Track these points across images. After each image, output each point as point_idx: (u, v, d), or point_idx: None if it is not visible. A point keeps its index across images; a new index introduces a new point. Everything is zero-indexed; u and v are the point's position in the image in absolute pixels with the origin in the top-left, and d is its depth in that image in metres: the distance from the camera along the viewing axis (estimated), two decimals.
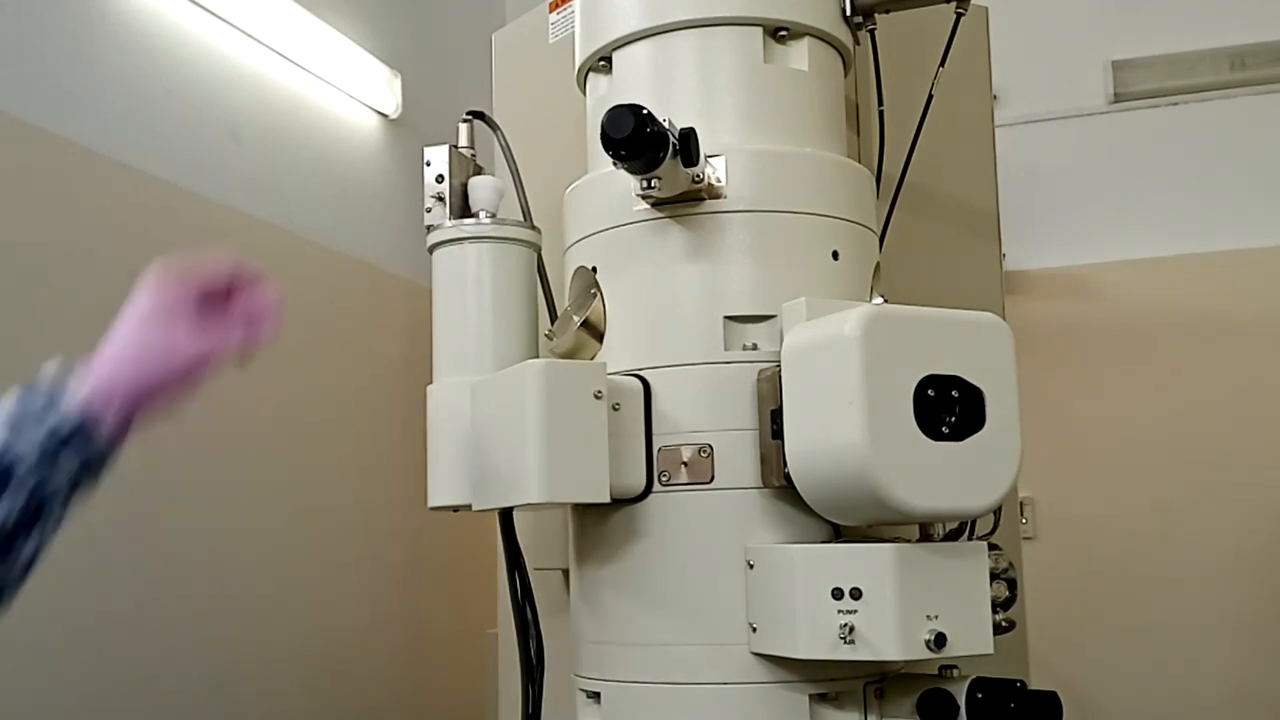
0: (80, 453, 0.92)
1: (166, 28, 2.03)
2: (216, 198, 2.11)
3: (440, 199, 1.32)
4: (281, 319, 1.04)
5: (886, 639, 1.00)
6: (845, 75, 1.33)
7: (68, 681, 1.70)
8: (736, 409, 1.14)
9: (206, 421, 2.01)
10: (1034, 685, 1.11)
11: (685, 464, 1.14)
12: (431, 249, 1.32)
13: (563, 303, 1.30)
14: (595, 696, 1.20)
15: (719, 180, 1.17)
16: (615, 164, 1.09)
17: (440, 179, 1.32)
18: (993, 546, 1.15)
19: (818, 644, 1.03)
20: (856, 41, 1.32)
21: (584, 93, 1.35)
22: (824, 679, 1.11)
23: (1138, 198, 2.99)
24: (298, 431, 2.23)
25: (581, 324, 1.21)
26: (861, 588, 1.01)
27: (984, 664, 1.07)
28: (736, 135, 1.20)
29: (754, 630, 1.10)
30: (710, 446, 1.14)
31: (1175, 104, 2.99)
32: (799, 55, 1.24)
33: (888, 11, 1.31)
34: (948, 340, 1.05)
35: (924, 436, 1.01)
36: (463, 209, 1.33)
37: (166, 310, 0.97)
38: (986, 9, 1.68)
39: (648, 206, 1.18)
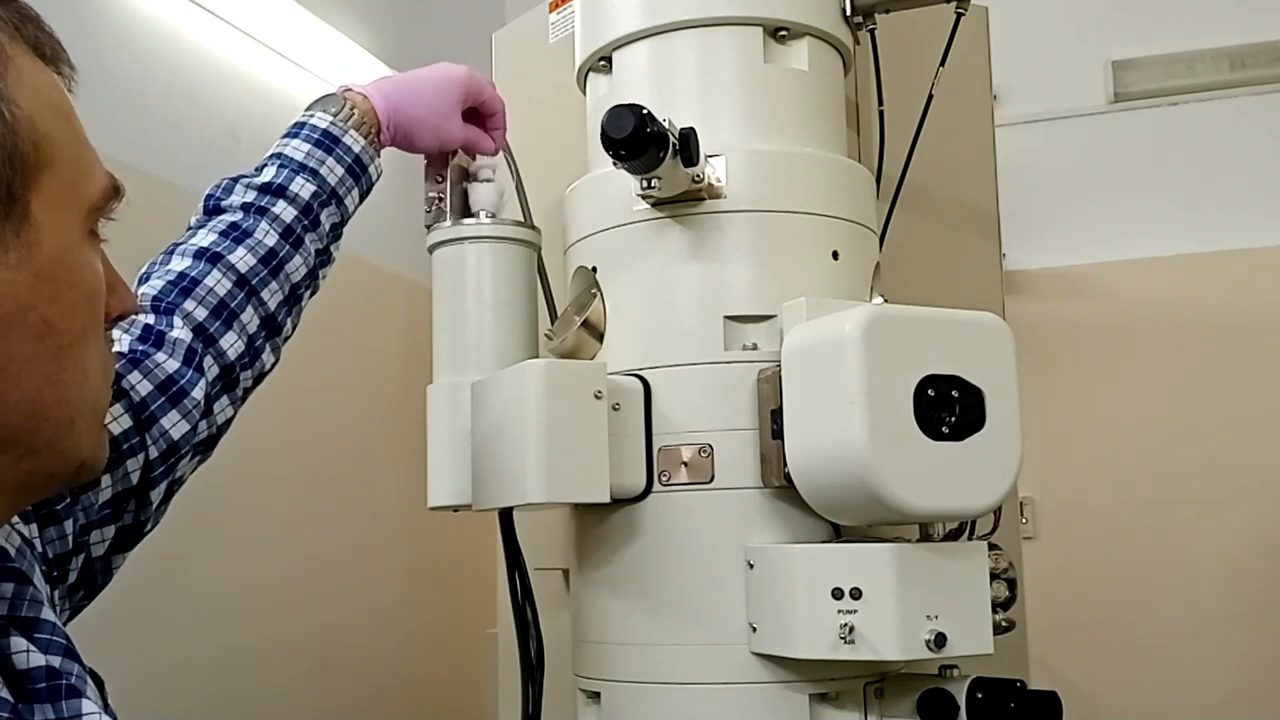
0: (344, 159, 1.13)
1: (166, 28, 2.03)
2: None
3: (440, 199, 1.32)
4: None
5: (886, 639, 1.00)
6: (845, 75, 1.33)
7: None
8: (736, 409, 1.14)
9: None
10: (1034, 685, 1.11)
11: (685, 464, 1.14)
12: (431, 249, 1.32)
13: (563, 303, 1.30)
14: (595, 696, 1.20)
15: (719, 180, 1.17)
16: (615, 164, 1.09)
17: (440, 179, 1.32)
18: (993, 546, 1.15)
19: (818, 644, 1.03)
20: (857, 41, 1.33)
21: (584, 93, 1.35)
22: (824, 679, 1.11)
23: (1138, 198, 3.00)
24: (296, 431, 2.23)
25: (581, 324, 1.21)
26: (861, 588, 1.01)
27: (984, 664, 1.07)
28: (736, 135, 1.20)
29: (754, 630, 1.10)
30: (710, 446, 1.14)
31: (1175, 104, 2.99)
32: (799, 55, 1.24)
33: (888, 11, 1.31)
34: (948, 340, 1.05)
35: (924, 436, 1.01)
36: (463, 209, 1.33)
37: (462, 99, 1.23)
38: (986, 9, 1.68)
39: (648, 206, 1.18)
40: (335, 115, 1.14)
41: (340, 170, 1.12)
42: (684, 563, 1.14)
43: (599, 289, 1.22)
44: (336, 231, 1.14)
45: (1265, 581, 2.79)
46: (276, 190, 1.07)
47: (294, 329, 1.10)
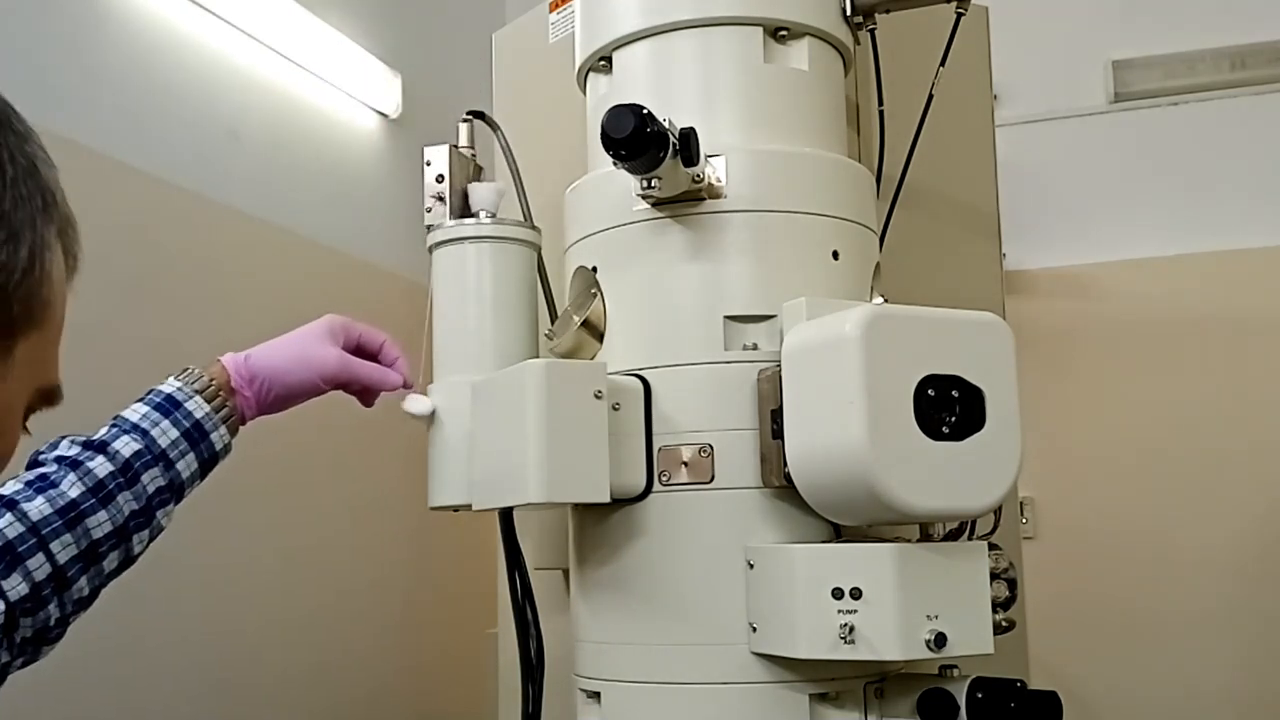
0: (201, 451, 1.08)
1: (166, 28, 2.03)
2: (216, 198, 2.11)
3: (440, 199, 1.32)
4: (403, 385, 1.25)
5: (886, 639, 1.00)
6: (845, 75, 1.33)
7: (65, 681, 1.70)
8: (736, 409, 1.14)
9: None
10: (1034, 685, 1.11)
11: (685, 464, 1.14)
12: (431, 249, 1.32)
13: (563, 303, 1.30)
14: (595, 696, 1.20)
15: (719, 180, 1.17)
16: (615, 164, 1.09)
17: (440, 179, 1.32)
18: (993, 546, 1.15)
19: (818, 644, 1.03)
20: (857, 41, 1.32)
21: (584, 93, 1.35)
22: (824, 679, 1.11)
23: (1138, 198, 3.00)
24: (297, 431, 2.23)
25: (581, 324, 1.21)
26: (861, 588, 1.01)
27: (984, 664, 1.07)
28: (736, 135, 1.20)
29: (754, 630, 1.10)
30: (710, 446, 1.14)
31: (1175, 104, 2.99)
32: (799, 55, 1.24)
33: (888, 11, 1.31)
34: (948, 340, 1.05)
35: (924, 436, 1.01)
36: (463, 209, 1.33)
37: (326, 335, 1.19)
38: (986, 9, 1.68)
39: (648, 206, 1.18)
40: (184, 381, 1.10)
41: (175, 433, 1.06)
42: (684, 563, 1.14)
43: (599, 289, 1.22)
44: (162, 497, 1.06)
45: (1265, 581, 2.79)
46: (98, 446, 1.02)
47: (93, 592, 1.02)
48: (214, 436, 1.09)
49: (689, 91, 1.22)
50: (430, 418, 1.26)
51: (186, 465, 1.07)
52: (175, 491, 1.07)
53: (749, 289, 1.16)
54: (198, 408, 1.08)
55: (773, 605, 1.08)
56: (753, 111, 1.21)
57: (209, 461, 1.10)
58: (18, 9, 1.75)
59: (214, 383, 1.11)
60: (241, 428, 1.15)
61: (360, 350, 1.23)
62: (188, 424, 1.07)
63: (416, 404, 1.24)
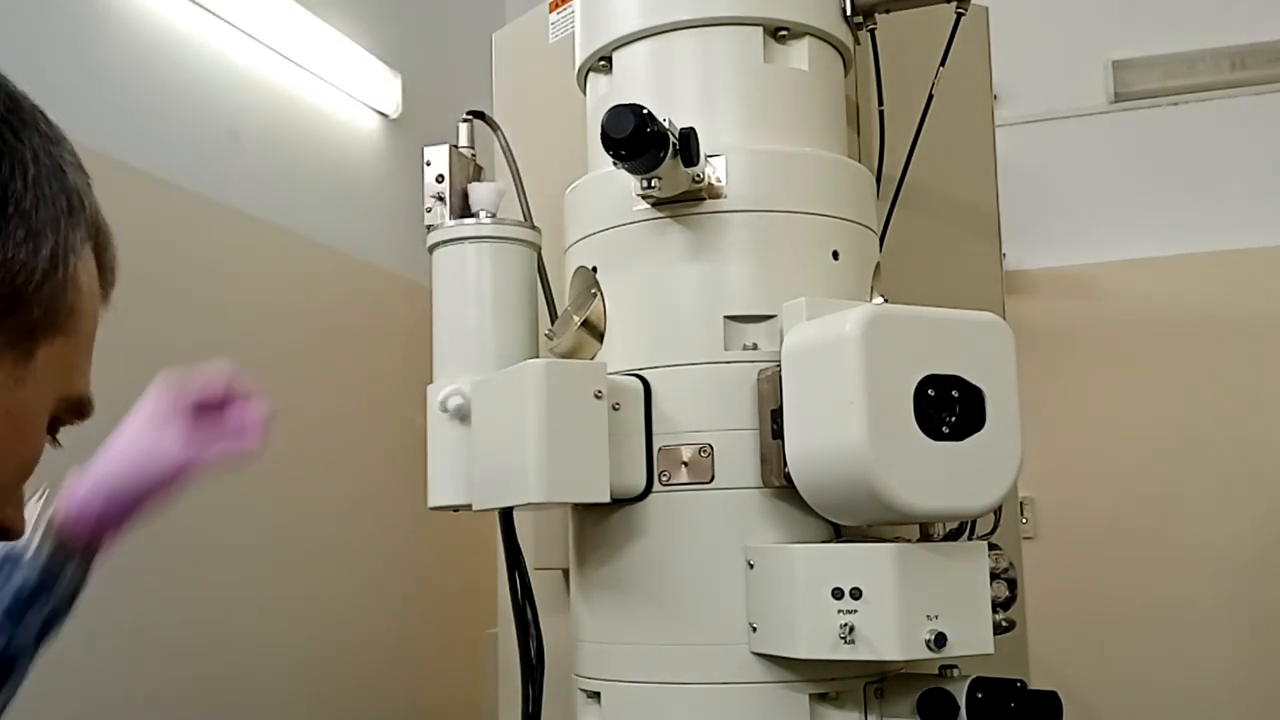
0: (46, 603, 0.97)
1: (166, 28, 2.03)
2: (216, 198, 2.11)
3: (440, 199, 1.32)
4: (270, 433, 1.10)
5: (886, 639, 1.00)
6: (845, 75, 1.33)
7: (62, 680, 1.69)
8: (736, 409, 1.14)
9: None
10: (1034, 685, 1.11)
11: (685, 464, 1.14)
12: (431, 249, 1.32)
13: (563, 303, 1.30)
14: (595, 696, 1.20)
15: (719, 180, 1.17)
16: (615, 164, 1.09)
17: (440, 179, 1.32)
18: (993, 546, 1.15)
19: (818, 644, 1.03)
20: (857, 41, 1.33)
21: (584, 93, 1.35)
22: (824, 679, 1.11)
23: (1138, 198, 2.99)
24: (297, 431, 2.23)
25: (581, 324, 1.21)
26: (861, 588, 1.01)
27: (984, 664, 1.07)
28: (736, 135, 1.20)
29: (754, 630, 1.10)
30: (710, 446, 1.14)
31: (1175, 104, 2.99)
32: (799, 55, 1.24)
33: (888, 11, 1.31)
34: (948, 340, 1.05)
35: (924, 436, 1.01)
36: (463, 209, 1.33)
37: (160, 417, 1.04)
38: (986, 9, 1.68)
39: (648, 206, 1.18)
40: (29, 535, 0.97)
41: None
42: (684, 563, 1.14)
43: (599, 289, 1.22)
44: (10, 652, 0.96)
45: (1265, 581, 2.79)
46: None
47: None
48: (64, 578, 0.99)
49: (689, 91, 1.22)
50: (464, 405, 1.22)
51: (36, 617, 0.97)
52: (28, 641, 0.97)
53: (749, 289, 1.16)
54: (27, 578, 0.97)
55: (773, 605, 1.08)
56: (753, 111, 1.21)
57: (71, 596, 0.99)
58: (18, 9, 1.75)
59: (51, 524, 0.99)
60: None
61: (207, 405, 1.07)
62: (13, 594, 0.96)
63: (449, 400, 1.23)
